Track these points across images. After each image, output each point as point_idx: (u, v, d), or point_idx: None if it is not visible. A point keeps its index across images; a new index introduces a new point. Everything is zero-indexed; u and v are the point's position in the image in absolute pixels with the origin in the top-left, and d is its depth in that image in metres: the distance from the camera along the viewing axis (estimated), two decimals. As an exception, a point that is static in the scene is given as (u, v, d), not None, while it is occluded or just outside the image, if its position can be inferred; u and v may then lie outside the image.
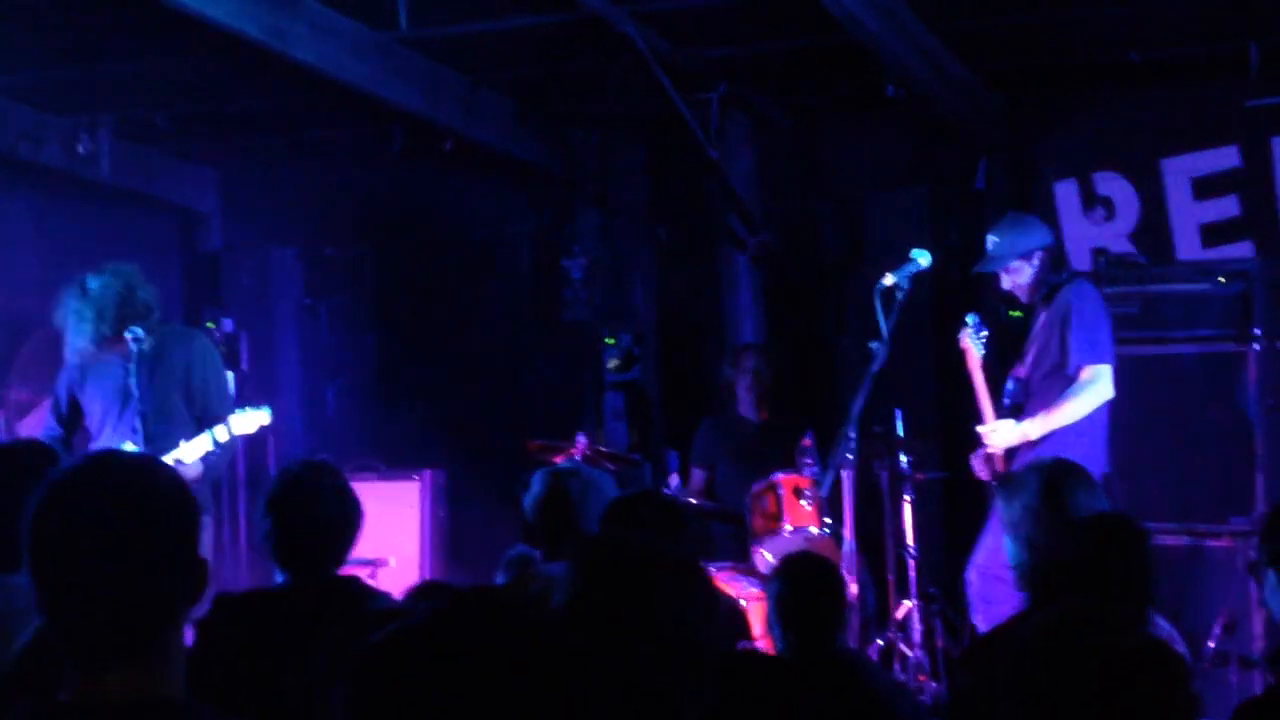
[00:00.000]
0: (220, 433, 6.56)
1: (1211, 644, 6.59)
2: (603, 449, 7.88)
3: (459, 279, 10.01)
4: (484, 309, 9.94)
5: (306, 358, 10.14)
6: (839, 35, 7.24)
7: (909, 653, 7.02)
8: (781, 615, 4.62)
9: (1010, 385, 6.78)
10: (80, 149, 8.86)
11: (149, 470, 2.44)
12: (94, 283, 6.71)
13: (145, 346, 6.60)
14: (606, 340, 9.31)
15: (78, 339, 6.73)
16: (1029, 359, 6.74)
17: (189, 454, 6.47)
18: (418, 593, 4.52)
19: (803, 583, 4.69)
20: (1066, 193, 8.82)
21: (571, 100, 9.07)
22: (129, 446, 6.58)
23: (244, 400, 6.96)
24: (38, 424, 7.95)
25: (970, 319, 6.84)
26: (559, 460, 7.09)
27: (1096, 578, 3.76)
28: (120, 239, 9.59)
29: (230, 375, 7.21)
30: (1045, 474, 4.60)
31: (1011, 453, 6.60)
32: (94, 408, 6.83)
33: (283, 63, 7.30)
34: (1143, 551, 4.00)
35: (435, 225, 10.02)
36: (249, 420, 6.66)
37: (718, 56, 8.32)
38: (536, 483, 5.05)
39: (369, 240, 10.20)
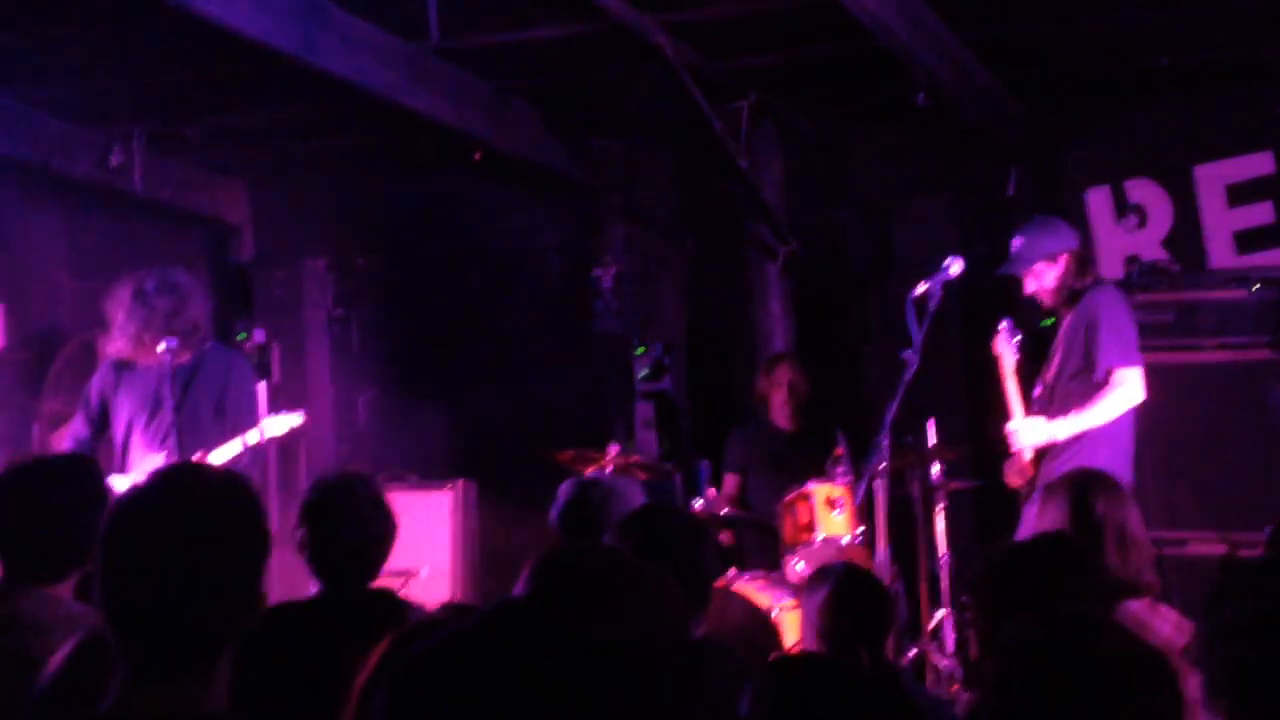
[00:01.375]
0: (252, 436, 6.58)
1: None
2: (634, 458, 7.88)
3: (489, 289, 10.01)
4: (514, 319, 9.94)
5: (338, 368, 10.16)
6: (867, 44, 7.23)
7: (942, 662, 7.00)
8: (827, 625, 4.60)
9: (1037, 390, 6.75)
10: (112, 162, 8.90)
11: (231, 493, 2.42)
12: (151, 285, 6.74)
13: (182, 359, 6.63)
14: (637, 350, 9.31)
15: (120, 337, 6.76)
16: (1054, 364, 6.71)
17: (216, 458, 6.49)
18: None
19: (852, 591, 4.67)
20: (1098, 200, 8.78)
21: (600, 110, 9.07)
22: (155, 459, 6.60)
23: (276, 410, 6.98)
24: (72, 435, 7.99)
25: (1002, 324, 6.80)
26: (589, 471, 7.09)
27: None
28: (152, 251, 9.62)
29: (262, 387, 7.23)
30: (1073, 485, 4.59)
31: (1039, 458, 6.57)
32: (123, 413, 6.86)
33: (313, 74, 7.32)
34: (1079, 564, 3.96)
35: (465, 235, 10.02)
36: (281, 423, 6.68)
37: (746, 66, 8.32)
38: (562, 493, 5.06)
39: (399, 251, 10.22)
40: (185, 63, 7.86)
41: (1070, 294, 6.67)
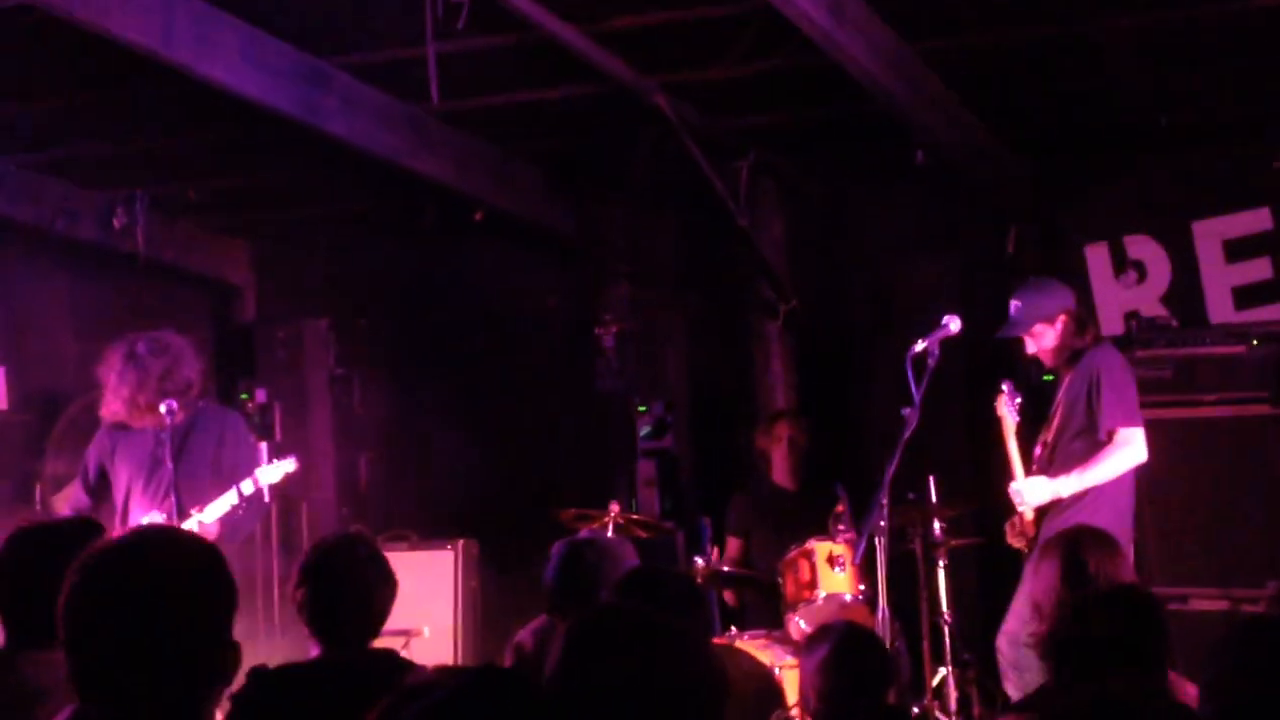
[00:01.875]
0: (246, 486, 6.57)
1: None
2: (635, 517, 7.87)
3: (490, 349, 10.03)
4: (516, 379, 9.96)
5: (339, 428, 10.17)
6: (868, 104, 7.28)
7: (944, 720, 6.97)
8: (826, 684, 4.59)
9: (1038, 450, 6.76)
10: (115, 223, 8.94)
11: (185, 550, 2.43)
12: (142, 347, 6.76)
13: (176, 419, 6.64)
14: (638, 408, 9.32)
15: (114, 400, 6.77)
16: (1054, 423, 6.72)
17: (210, 514, 6.49)
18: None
19: (852, 649, 4.66)
20: (1097, 256, 8.81)
21: (601, 170, 9.12)
22: (155, 516, 6.61)
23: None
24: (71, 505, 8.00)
25: (1004, 386, 6.82)
26: (584, 531, 7.08)
27: (1113, 651, 3.72)
28: (155, 312, 9.65)
29: (264, 447, 7.24)
30: (1067, 542, 4.59)
31: (1040, 517, 6.58)
32: (121, 476, 6.86)
33: (315, 136, 7.37)
34: (1159, 622, 3.96)
35: (466, 295, 10.05)
36: (274, 472, 6.68)
37: (746, 125, 8.37)
38: (555, 554, 5.04)
39: (401, 311, 10.25)
40: (189, 125, 7.92)
41: (1071, 354, 6.69)
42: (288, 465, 6.72)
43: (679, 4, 6.63)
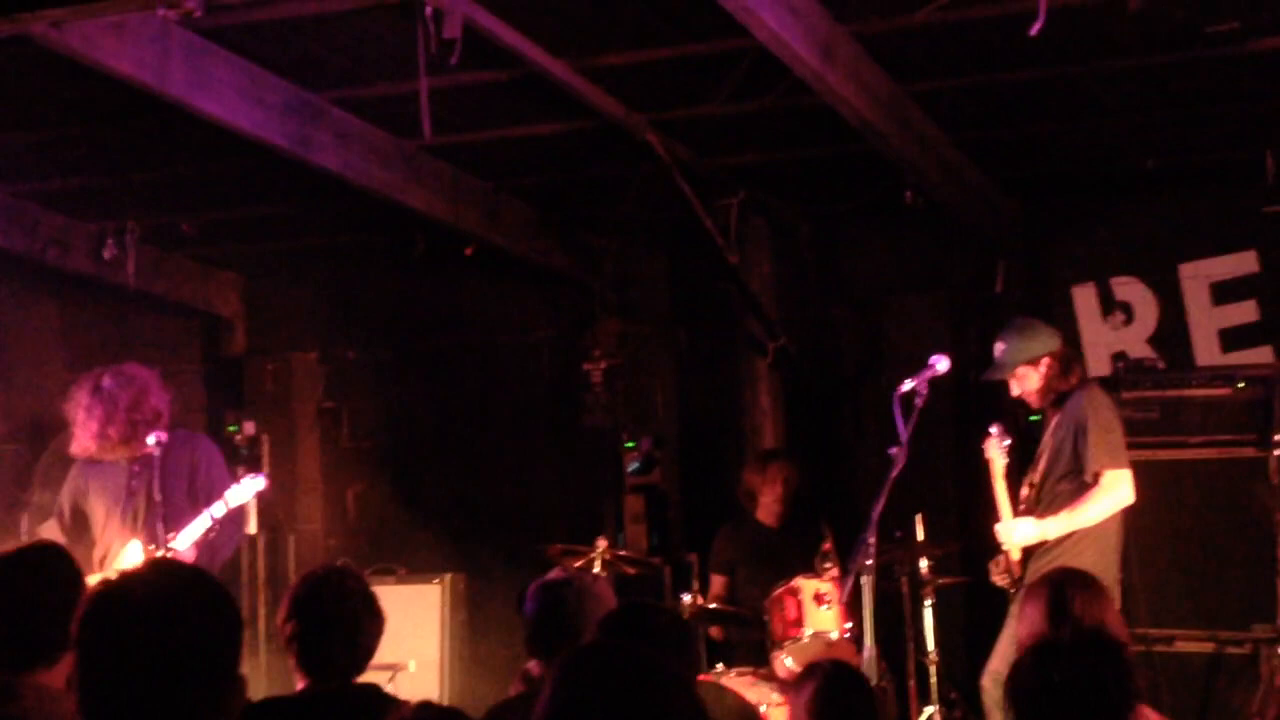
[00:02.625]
0: (217, 508, 6.55)
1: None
2: (622, 553, 7.87)
3: (479, 383, 10.04)
4: (504, 413, 9.97)
5: (328, 461, 10.18)
6: (858, 143, 7.32)
7: (931, 759, 6.96)
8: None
9: (1025, 491, 6.78)
10: (106, 254, 8.95)
11: (194, 584, 2.45)
12: (107, 381, 6.76)
13: (147, 449, 6.63)
14: (626, 444, 9.33)
15: (83, 436, 6.76)
16: (1041, 465, 6.74)
17: (183, 540, 6.47)
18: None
19: (838, 688, 4.67)
20: (1085, 297, 8.84)
21: (592, 206, 9.15)
22: (135, 546, 6.60)
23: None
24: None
25: (993, 429, 6.85)
26: (573, 565, 7.08)
27: (1075, 697, 3.69)
28: (145, 343, 9.67)
29: (239, 470, 7.24)
30: (1051, 585, 4.61)
31: (1026, 557, 6.60)
32: (98, 511, 6.85)
33: (308, 169, 7.40)
34: (1122, 666, 3.94)
35: (456, 330, 10.07)
36: (244, 490, 6.65)
37: (737, 163, 8.40)
38: (531, 595, 5.00)
39: (390, 345, 10.26)
40: (180, 158, 7.94)
41: (1056, 395, 6.72)
42: (257, 483, 6.70)
43: (670, 42, 6.67)
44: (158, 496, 6.56)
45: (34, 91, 6.84)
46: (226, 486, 6.73)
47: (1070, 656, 3.80)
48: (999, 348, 6.84)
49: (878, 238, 9.31)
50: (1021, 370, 6.76)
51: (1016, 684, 3.68)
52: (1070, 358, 6.86)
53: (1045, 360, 6.74)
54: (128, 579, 2.44)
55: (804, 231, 9.42)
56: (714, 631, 8.06)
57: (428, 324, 10.13)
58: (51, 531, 6.99)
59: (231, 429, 9.52)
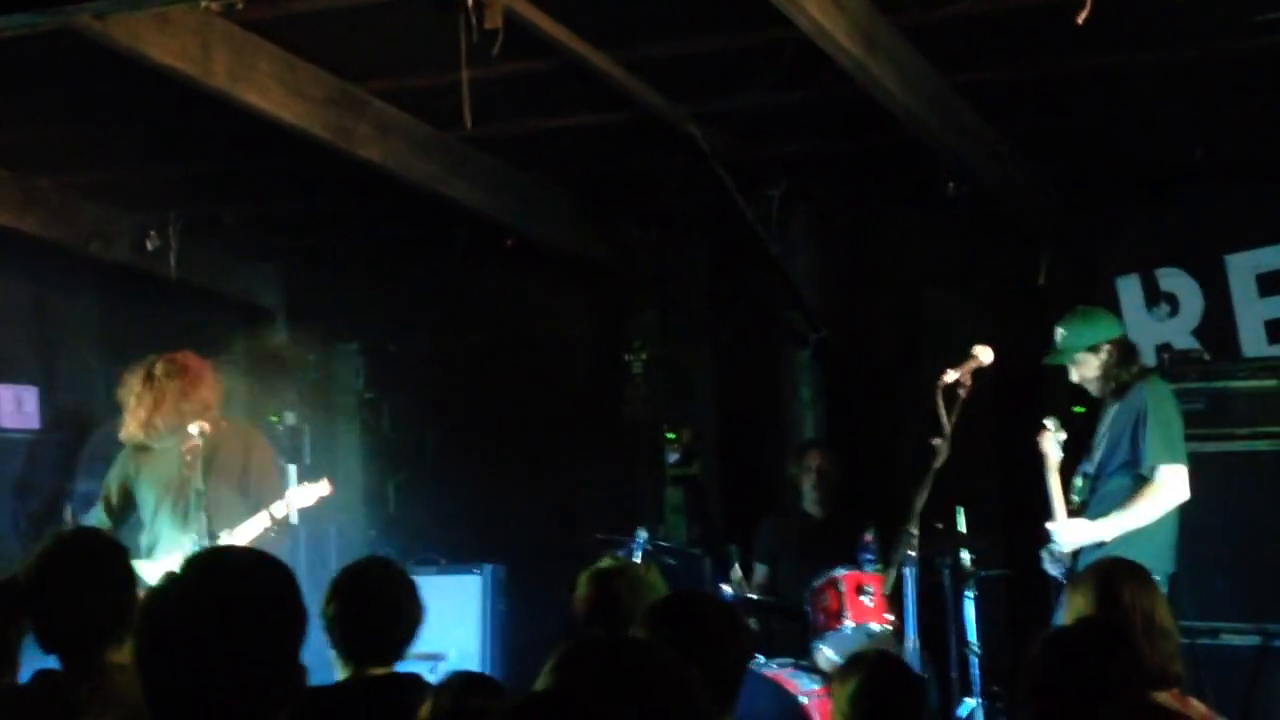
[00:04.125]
0: (278, 509, 6.56)
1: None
2: (662, 544, 7.86)
3: (519, 375, 10.04)
4: (544, 404, 9.96)
5: (368, 452, 10.19)
6: (900, 134, 7.28)
7: (973, 753, 6.93)
8: (858, 715, 4.56)
9: (1078, 482, 6.73)
10: (148, 246, 8.99)
11: (259, 572, 2.45)
12: (160, 369, 6.78)
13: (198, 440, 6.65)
14: (666, 435, 9.32)
15: (133, 423, 6.78)
16: (1097, 455, 6.68)
17: (240, 536, 6.48)
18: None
19: (885, 681, 4.63)
20: (1129, 289, 8.78)
21: (632, 197, 9.14)
22: (183, 538, 6.62)
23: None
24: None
25: (1050, 422, 6.78)
26: (615, 556, 7.07)
27: (1086, 685, 3.65)
28: (186, 334, 9.69)
29: (292, 469, 7.24)
30: (1100, 574, 4.57)
31: (1079, 549, 6.55)
32: (147, 497, 6.87)
33: (348, 161, 7.41)
34: (1128, 650, 3.90)
35: (496, 321, 10.07)
36: (308, 494, 6.66)
37: (778, 154, 8.37)
38: (582, 583, 5.01)
39: (431, 336, 10.27)
40: (222, 150, 7.96)
41: (1116, 385, 6.66)
42: (321, 488, 6.71)
43: (711, 32, 6.65)
44: (201, 486, 6.57)
45: (77, 84, 6.86)
46: (279, 483, 6.75)
47: (1076, 645, 3.77)
48: (1060, 333, 6.80)
49: (919, 229, 9.26)
50: (1082, 356, 6.71)
51: (1026, 675, 3.66)
52: (1131, 347, 6.81)
53: (1106, 347, 6.69)
54: (190, 568, 2.44)
55: (845, 223, 9.38)
56: (753, 622, 8.04)
57: (468, 316, 10.13)
58: (97, 517, 7.02)
59: (273, 420, 9.53)
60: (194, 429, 6.63)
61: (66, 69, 6.63)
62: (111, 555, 3.83)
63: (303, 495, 6.65)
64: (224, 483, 6.75)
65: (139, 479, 6.92)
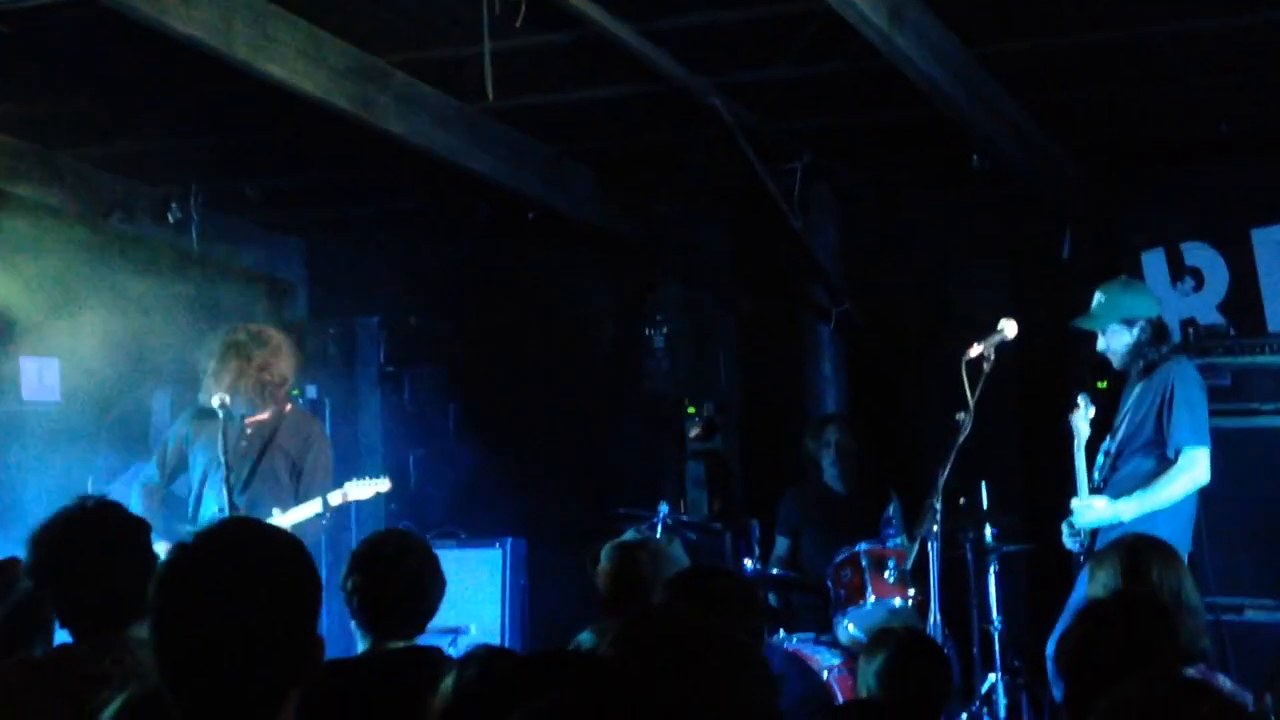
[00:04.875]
0: (334, 498, 6.60)
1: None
2: (684, 518, 7.86)
3: (541, 348, 10.04)
4: (566, 378, 9.96)
5: (389, 426, 10.18)
6: (924, 108, 7.24)
7: (994, 728, 6.93)
8: (885, 690, 4.54)
9: (1101, 459, 6.69)
10: (171, 218, 8.99)
11: (275, 544, 2.44)
12: (244, 337, 6.80)
13: (262, 415, 6.67)
14: (688, 409, 9.30)
15: (214, 386, 6.80)
16: (1120, 432, 6.64)
17: (291, 517, 6.51)
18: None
19: (913, 656, 4.62)
20: (1154, 263, 8.74)
21: (655, 171, 9.11)
22: (223, 506, 6.64)
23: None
24: (126, 489, 8.02)
25: (1081, 399, 6.73)
26: (638, 530, 7.06)
27: (1121, 658, 3.63)
28: (208, 307, 9.70)
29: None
30: (1127, 550, 4.55)
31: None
32: (198, 463, 6.92)
33: (371, 134, 7.39)
34: (1164, 624, 3.89)
35: (518, 295, 10.06)
36: (365, 488, 6.70)
37: (801, 128, 8.34)
38: (605, 556, 5.01)
39: (452, 309, 10.26)
40: (244, 122, 7.95)
41: (1144, 362, 6.60)
42: (381, 484, 6.74)
43: (736, 4, 6.61)
44: (249, 458, 6.61)
45: (99, 55, 6.86)
46: (330, 474, 6.79)
47: (1114, 619, 3.75)
48: (1099, 298, 6.70)
49: (943, 203, 9.22)
50: (1116, 327, 6.63)
51: (1062, 649, 3.64)
52: (1164, 329, 6.71)
53: (1141, 323, 6.60)
54: (204, 539, 2.43)
55: (869, 197, 9.35)
56: (773, 597, 8.04)
57: (490, 288, 10.13)
58: (148, 474, 7.03)
59: (294, 393, 9.53)
60: (215, 401, 6.64)
61: (88, 41, 6.62)
62: (132, 529, 3.81)
63: (361, 489, 6.68)
64: (279, 463, 6.78)
65: (195, 444, 6.95)
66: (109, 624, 3.59)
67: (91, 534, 3.72)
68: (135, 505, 6.82)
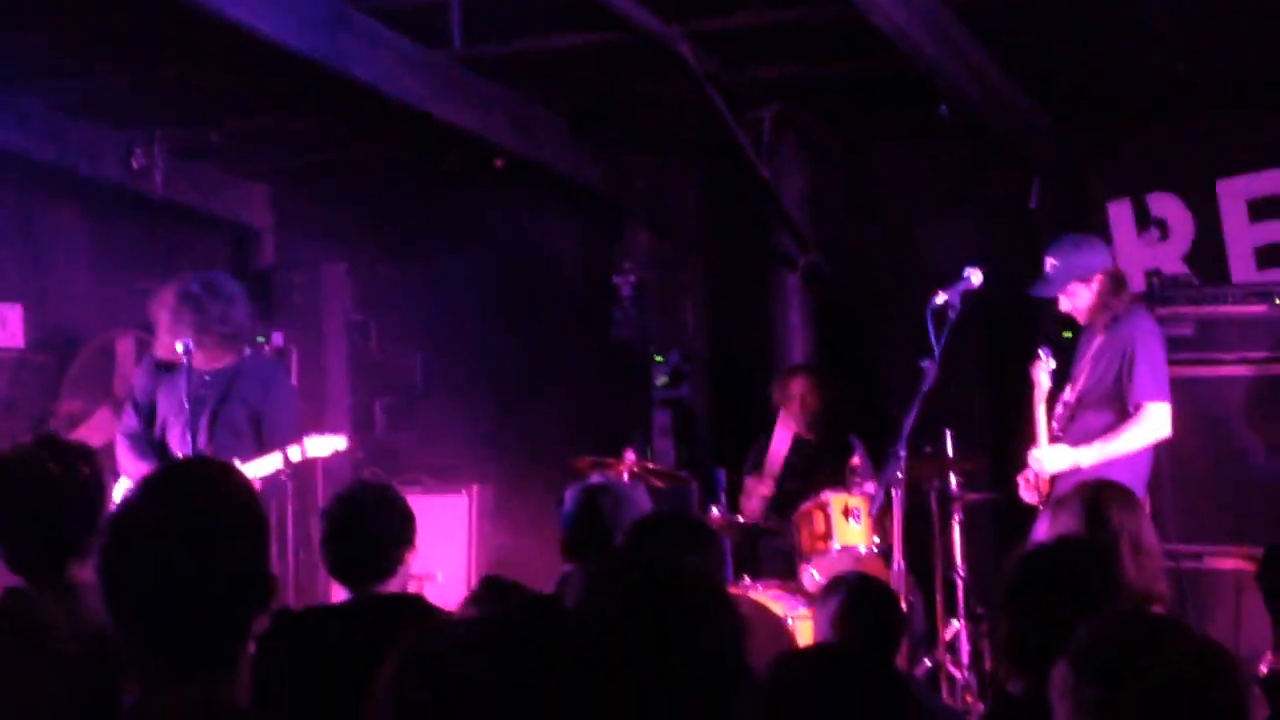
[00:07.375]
0: (294, 453, 6.56)
1: (1264, 668, 6.52)
2: (650, 465, 7.88)
3: (508, 296, 10.03)
4: (533, 326, 9.95)
5: (355, 373, 10.18)
6: (892, 57, 7.23)
7: (957, 674, 6.99)
8: (839, 635, 4.60)
9: (1059, 409, 6.74)
10: (135, 164, 8.93)
11: (223, 480, 2.45)
12: (197, 288, 6.74)
13: (222, 363, 6.63)
14: (655, 358, 9.32)
15: (168, 339, 6.74)
16: (1080, 383, 6.69)
17: (251, 470, 6.46)
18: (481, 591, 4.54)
19: (864, 601, 4.67)
20: (1120, 214, 8.77)
21: (623, 119, 9.08)
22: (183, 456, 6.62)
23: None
24: (89, 435, 8.00)
25: (1042, 351, 6.78)
26: (595, 476, 7.09)
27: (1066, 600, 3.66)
28: (173, 254, 9.66)
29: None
30: (1087, 494, 4.59)
31: (1055, 477, 6.58)
32: (160, 415, 6.88)
33: (337, 80, 7.34)
34: (1107, 567, 3.92)
35: (485, 243, 10.04)
36: (324, 445, 6.66)
37: (770, 77, 8.32)
38: (569, 499, 5.03)
39: (419, 257, 10.23)
40: (210, 67, 7.88)
41: (1108, 315, 6.65)
42: (338, 443, 6.69)
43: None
44: (206, 407, 6.59)
45: (62, -2, 6.79)
46: (293, 422, 6.75)
47: (1053, 562, 3.78)
48: (1050, 263, 6.76)
49: (911, 153, 9.23)
50: (1073, 286, 6.68)
51: (1002, 590, 3.68)
52: (1121, 277, 6.79)
53: (1098, 277, 6.67)
54: (153, 480, 2.44)
55: (837, 146, 9.34)
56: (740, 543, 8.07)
57: (457, 236, 10.10)
58: (127, 419, 6.98)
59: (260, 340, 9.51)
60: (179, 346, 6.60)
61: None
62: (76, 466, 3.73)
63: (319, 445, 6.64)
64: (238, 412, 6.74)
65: (157, 394, 6.91)
66: (52, 567, 3.56)
67: (31, 473, 3.67)
68: (124, 456, 6.80)
